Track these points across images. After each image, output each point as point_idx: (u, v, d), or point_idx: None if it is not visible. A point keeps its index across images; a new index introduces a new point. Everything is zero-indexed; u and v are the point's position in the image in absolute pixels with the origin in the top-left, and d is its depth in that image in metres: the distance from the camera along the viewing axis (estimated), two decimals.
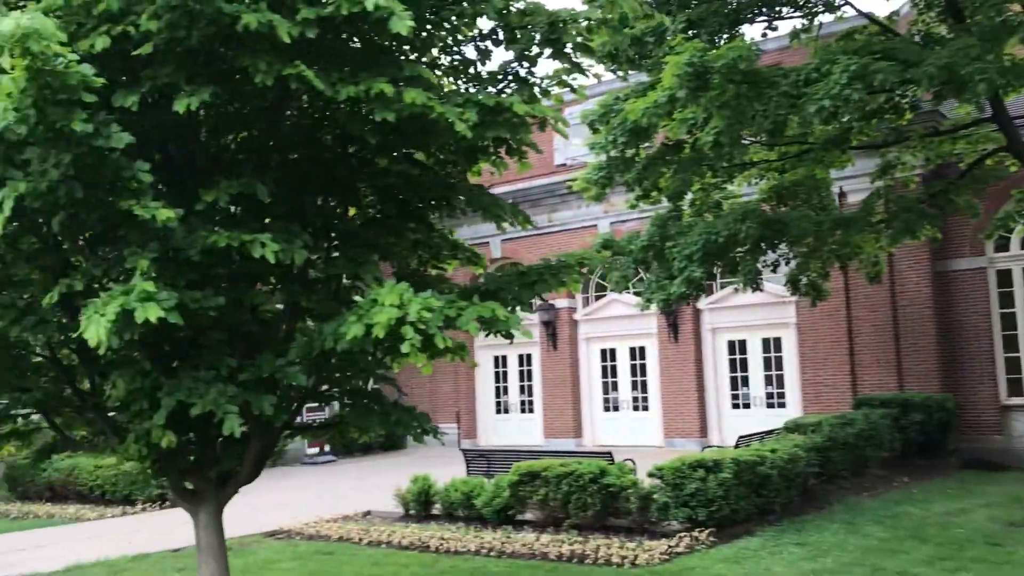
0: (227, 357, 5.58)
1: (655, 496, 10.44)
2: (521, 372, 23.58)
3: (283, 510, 13.70)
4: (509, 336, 5.70)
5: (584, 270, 6.93)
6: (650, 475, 10.68)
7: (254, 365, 5.58)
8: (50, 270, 5.67)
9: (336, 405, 6.98)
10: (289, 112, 5.85)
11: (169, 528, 13.39)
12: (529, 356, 23.33)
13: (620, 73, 13.59)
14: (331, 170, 6.10)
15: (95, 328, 4.21)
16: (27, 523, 15.11)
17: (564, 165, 22.14)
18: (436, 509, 12.61)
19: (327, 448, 22.61)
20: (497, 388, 24.02)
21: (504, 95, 5.51)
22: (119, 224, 4.97)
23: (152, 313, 4.36)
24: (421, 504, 12.62)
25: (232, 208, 5.65)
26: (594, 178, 14.30)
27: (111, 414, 6.03)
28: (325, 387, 6.52)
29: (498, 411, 23.87)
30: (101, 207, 4.76)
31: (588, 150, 13.98)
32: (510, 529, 10.99)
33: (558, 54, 5.69)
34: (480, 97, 5.18)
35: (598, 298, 22.29)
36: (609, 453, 12.21)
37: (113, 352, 4.89)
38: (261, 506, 14.07)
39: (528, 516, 11.47)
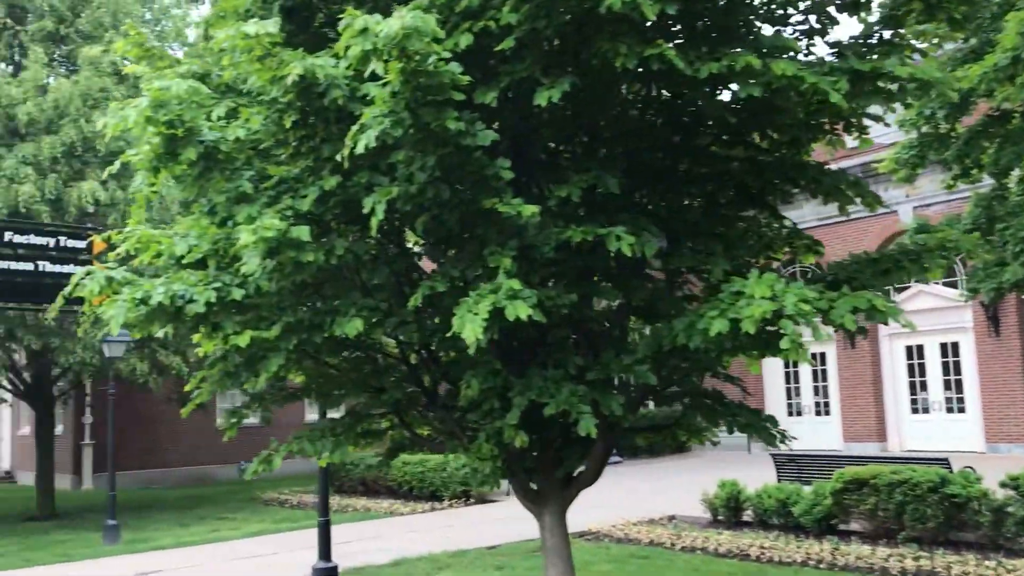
0: (574, 355, 5.45)
1: (1010, 509, 9.25)
2: (814, 372, 22.27)
3: (585, 511, 13.62)
4: (861, 330, 5.16)
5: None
6: (1002, 485, 9.49)
7: (600, 364, 5.42)
8: (399, 273, 5.84)
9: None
10: (619, 100, 5.65)
11: (478, 524, 13.81)
12: (823, 355, 22.00)
13: (936, 41, 12.36)
14: (667, 158, 5.83)
15: (471, 327, 4.17)
16: (347, 516, 16.20)
17: (855, 147, 20.65)
18: (746, 516, 12.04)
19: (614, 450, 22.54)
20: (788, 389, 22.86)
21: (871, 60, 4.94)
22: (475, 224, 4.95)
23: (522, 311, 4.27)
24: (730, 510, 12.09)
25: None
26: (904, 158, 13.12)
27: (457, 414, 6.09)
28: (663, 387, 6.24)
29: (789, 413, 22.69)
30: (461, 207, 4.76)
31: (892, 128, 12.82)
32: (836, 540, 10.20)
33: (932, 8, 5.05)
34: (851, 63, 4.66)
35: (900, 290, 20.56)
36: (946, 459, 11.03)
37: (479, 351, 4.88)
38: None
39: (853, 527, 10.62)
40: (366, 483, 18.68)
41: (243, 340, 5.12)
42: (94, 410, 23.54)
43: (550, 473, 6.11)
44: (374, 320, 5.29)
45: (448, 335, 4.45)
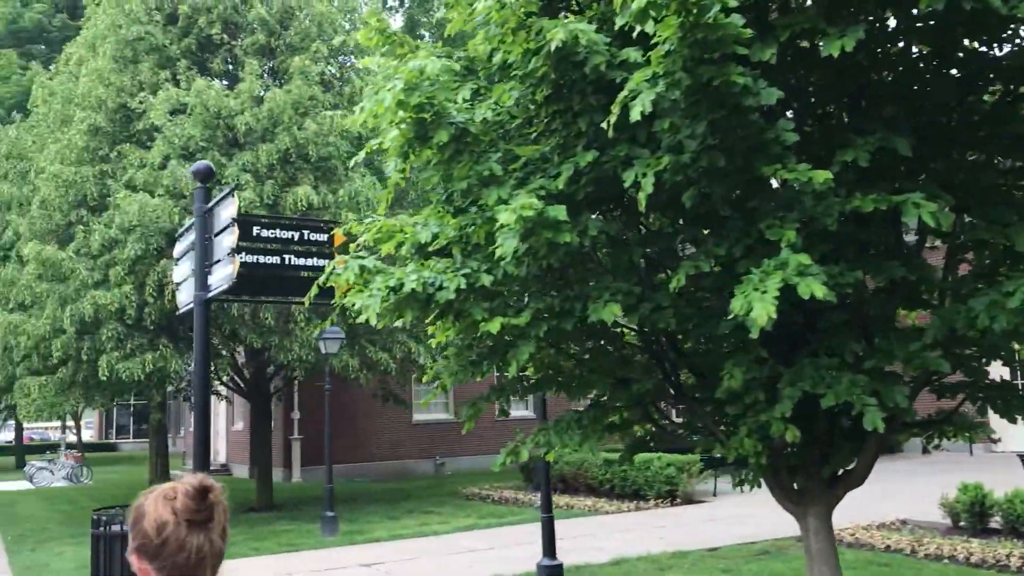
0: (850, 342, 4.93)
1: None
2: None
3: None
4: None
5: None
6: None
7: (879, 351, 4.88)
8: (649, 255, 5.52)
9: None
10: (902, 52, 5.08)
11: (690, 525, 13.31)
12: None
13: None
14: (947, 118, 5.21)
15: (761, 306, 3.77)
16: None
17: None
18: (993, 523, 10.94)
19: None
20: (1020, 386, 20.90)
21: None
22: (747, 196, 4.55)
23: (817, 289, 3.83)
24: (974, 516, 11.02)
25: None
26: None
27: (709, 407, 5.69)
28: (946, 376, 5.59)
29: None
30: (734, 176, 4.37)
31: None
32: None
33: None
34: None
35: None
36: None
37: (745, 339, 4.48)
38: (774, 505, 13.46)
39: None
40: (565, 480, 18.51)
41: (494, 327, 4.93)
42: (302, 406, 24.68)
43: (815, 471, 5.60)
44: (627, 304, 4.98)
45: (728, 318, 4.06)
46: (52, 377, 15.63)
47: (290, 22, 16.82)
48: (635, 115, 3.85)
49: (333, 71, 17.51)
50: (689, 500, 15.94)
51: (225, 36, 16.69)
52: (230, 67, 16.97)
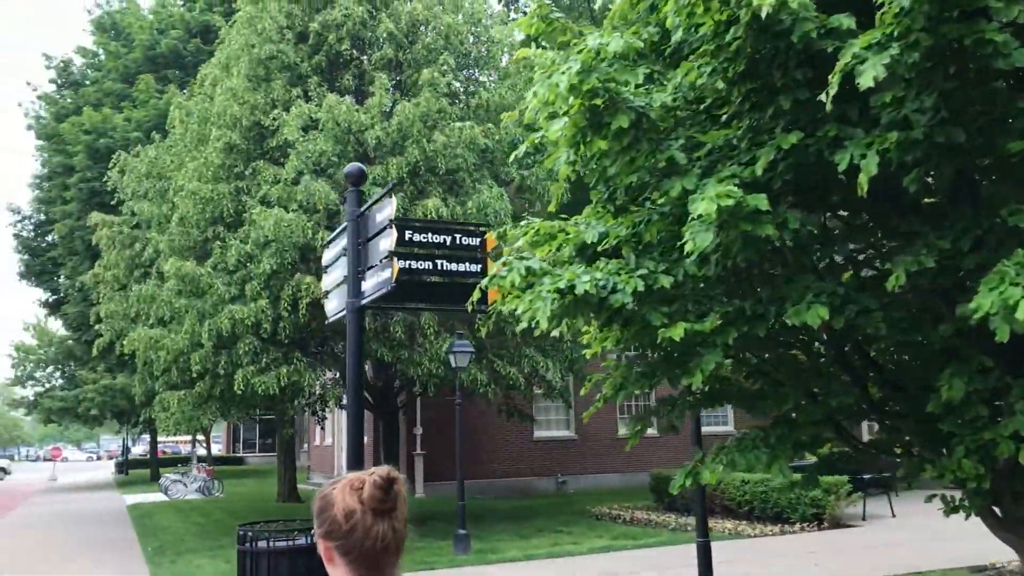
0: None
1: None
2: None
3: (975, 540, 11.85)
4: None
5: None
6: None
7: None
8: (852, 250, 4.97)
9: None
10: None
11: (843, 551, 12.43)
12: None
13: None
14: None
15: None
16: (688, 535, 15.33)
17: None
18: None
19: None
20: None
21: None
22: (980, 176, 3.96)
23: None
24: None
25: None
26: None
27: (915, 423, 5.06)
28: None
29: None
30: (971, 155, 3.79)
31: None
32: None
33: None
34: None
35: None
36: None
37: (964, 345, 3.88)
38: (933, 531, 12.45)
39: None
40: None
41: (676, 333, 4.46)
42: (424, 421, 24.62)
43: None
44: (832, 307, 4.43)
45: (976, 318, 3.47)
46: (190, 391, 15.90)
47: (416, 36, 16.80)
48: (867, 82, 3.33)
49: (459, 84, 17.39)
50: (837, 524, 14.97)
51: (354, 52, 16.78)
52: (358, 82, 17.04)
